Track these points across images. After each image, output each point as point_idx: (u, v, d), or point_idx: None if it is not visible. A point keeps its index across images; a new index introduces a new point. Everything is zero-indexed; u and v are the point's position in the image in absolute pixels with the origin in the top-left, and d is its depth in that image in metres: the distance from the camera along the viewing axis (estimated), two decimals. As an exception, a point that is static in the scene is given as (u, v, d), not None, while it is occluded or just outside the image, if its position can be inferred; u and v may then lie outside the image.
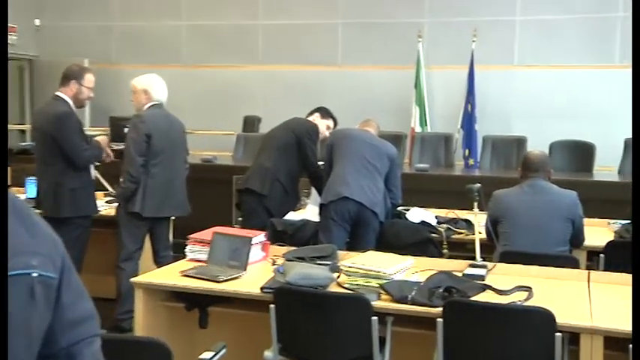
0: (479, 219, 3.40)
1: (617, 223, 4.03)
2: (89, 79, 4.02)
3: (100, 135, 4.49)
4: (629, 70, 7.10)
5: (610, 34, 7.23)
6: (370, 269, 2.77)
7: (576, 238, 3.52)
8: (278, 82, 8.20)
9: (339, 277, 2.85)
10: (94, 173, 4.18)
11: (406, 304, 2.58)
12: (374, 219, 3.81)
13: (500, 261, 3.20)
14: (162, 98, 4.14)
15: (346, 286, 2.78)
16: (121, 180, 4.01)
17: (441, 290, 2.61)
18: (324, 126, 4.46)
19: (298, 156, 4.28)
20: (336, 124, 4.54)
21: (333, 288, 2.79)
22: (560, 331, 2.36)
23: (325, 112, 4.53)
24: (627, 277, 2.91)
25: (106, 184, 4.90)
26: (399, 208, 4.21)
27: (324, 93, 7.46)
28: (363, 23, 7.96)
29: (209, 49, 8.44)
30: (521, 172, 3.66)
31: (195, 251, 3.23)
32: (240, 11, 8.38)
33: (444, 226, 4.05)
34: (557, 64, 7.35)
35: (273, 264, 3.14)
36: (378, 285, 2.70)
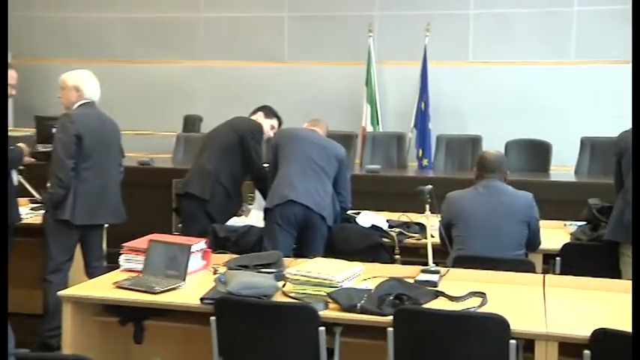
0: (431, 222, 3.45)
1: (574, 225, 4.14)
2: (11, 75, 3.91)
3: (25, 135, 4.38)
4: (585, 66, 7.36)
5: (565, 29, 7.45)
6: (317, 277, 2.77)
7: (532, 241, 3.60)
8: (221, 78, 8.15)
9: (284, 285, 2.85)
10: (16, 178, 4.07)
11: (355, 313, 2.59)
12: (322, 223, 3.82)
13: (454, 266, 3.25)
14: (94, 96, 4.07)
15: (292, 295, 2.78)
16: (48, 185, 3.92)
17: (391, 298, 2.64)
18: (267, 126, 4.46)
19: (241, 157, 4.26)
20: (280, 123, 4.54)
21: (279, 297, 2.78)
22: (514, 338, 2.41)
23: (269, 111, 4.52)
24: (583, 281, 3.01)
25: (31, 189, 4.78)
26: (349, 212, 4.23)
27: (269, 90, 7.45)
28: (310, 17, 7.98)
29: (146, 43, 8.33)
30: (476, 172, 3.72)
31: (130, 261, 3.18)
32: (180, 3, 8.31)
33: (396, 230, 4.09)
34: (513, 59, 7.53)
35: (215, 273, 3.12)
36: (325, 293, 2.70)
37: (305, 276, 2.79)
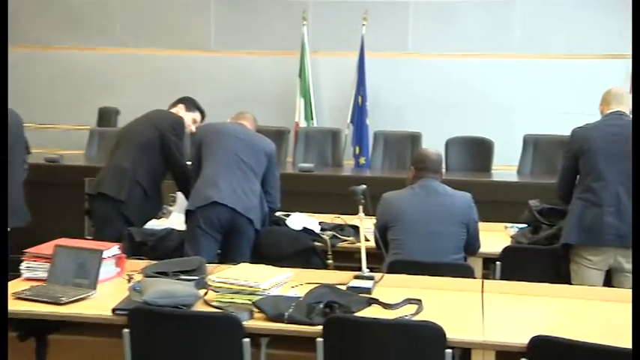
0: (365, 225, 3.48)
1: (514, 227, 4.25)
2: None
3: None
4: (530, 60, 7.57)
5: (509, 20, 7.64)
6: (242, 284, 2.76)
7: (471, 244, 3.68)
8: (140, 68, 8.02)
9: (206, 294, 2.83)
10: None
11: (282, 322, 2.59)
12: (249, 227, 3.80)
13: (389, 271, 3.29)
14: (-6, 85, 3.94)
15: (214, 304, 2.76)
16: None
17: (321, 306, 2.65)
18: (189, 119, 4.40)
19: (161, 154, 4.19)
20: (203, 117, 4.49)
21: (200, 307, 2.76)
22: (450, 347, 2.46)
23: (190, 103, 4.46)
24: (524, 286, 3.09)
25: None
26: (278, 214, 4.23)
27: (193, 81, 7.39)
28: (239, 1, 7.95)
29: (56, 26, 8.12)
30: (414, 171, 3.78)
31: (33, 269, 3.10)
32: (94, -17, 8.14)
33: (329, 233, 4.11)
34: (455, 51, 7.68)
35: (129, 281, 3.07)
36: (250, 302, 2.70)
37: (229, 283, 2.78)
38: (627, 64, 7.22)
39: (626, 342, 2.26)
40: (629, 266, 3.56)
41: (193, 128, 4.39)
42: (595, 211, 3.60)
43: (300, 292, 2.89)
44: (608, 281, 3.65)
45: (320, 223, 4.27)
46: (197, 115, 4.45)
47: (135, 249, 3.66)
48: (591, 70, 7.33)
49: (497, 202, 4.89)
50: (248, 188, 3.85)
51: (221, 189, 3.78)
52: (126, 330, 2.61)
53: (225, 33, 7.98)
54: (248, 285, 2.76)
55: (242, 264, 3.17)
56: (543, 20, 7.59)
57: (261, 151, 3.99)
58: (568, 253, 3.71)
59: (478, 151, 6.53)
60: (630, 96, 3.84)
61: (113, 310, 2.69)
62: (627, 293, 3.00)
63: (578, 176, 3.76)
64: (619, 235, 3.54)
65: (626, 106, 3.79)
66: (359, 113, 7.47)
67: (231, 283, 2.78)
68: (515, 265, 3.70)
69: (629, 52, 7.29)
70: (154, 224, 4.12)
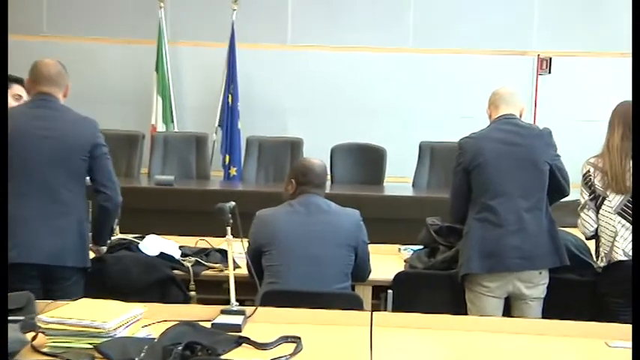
0: (235, 249, 3.46)
1: (409, 250, 4.35)
2: None
3: None
4: (427, 56, 7.79)
5: (402, 10, 7.84)
6: (81, 324, 2.68)
7: (360, 269, 3.73)
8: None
9: (35, 337, 2.72)
10: None
11: (132, 370, 2.53)
12: (71, 273, 3.62)
13: (263, 304, 3.28)
14: None
15: (46, 350, 2.66)
16: None
17: (180, 349, 2.60)
18: (10, 96, 4.17)
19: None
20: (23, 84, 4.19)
21: (27, 356, 2.65)
22: (333, 393, 2.47)
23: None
24: (417, 318, 3.15)
25: None
26: (130, 236, 4.15)
27: (21, 72, 7.11)
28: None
29: None
30: (294, 186, 3.78)
31: None
32: None
33: (192, 259, 4.08)
34: (341, 44, 7.81)
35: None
36: (92, 346, 2.62)
37: (64, 324, 2.69)
38: (533, 60, 7.61)
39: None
40: (529, 292, 3.71)
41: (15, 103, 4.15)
42: (496, 233, 3.71)
43: (155, 332, 2.83)
44: (508, 310, 3.78)
45: (180, 247, 4.23)
46: (18, 89, 4.25)
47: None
48: (496, 67, 7.64)
49: (390, 220, 5.00)
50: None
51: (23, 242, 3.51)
52: None
53: (62, 15, 7.75)
54: (89, 325, 2.67)
55: (82, 299, 3.07)
56: (440, 10, 7.83)
57: (79, 144, 3.67)
58: (462, 282, 3.80)
59: (368, 160, 6.66)
60: (520, 96, 4.01)
61: None
62: (530, 323, 3.13)
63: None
64: (523, 257, 3.67)
65: (517, 107, 3.92)
66: (229, 115, 7.46)
67: (68, 324, 2.68)
68: (409, 293, 3.79)
69: (537, 47, 7.73)
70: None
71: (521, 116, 3.93)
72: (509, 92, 3.96)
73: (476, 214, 3.77)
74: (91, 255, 3.81)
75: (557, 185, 3.80)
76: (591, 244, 3.90)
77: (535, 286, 3.70)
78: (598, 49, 7.69)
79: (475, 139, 3.84)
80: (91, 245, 3.82)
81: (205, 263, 4.07)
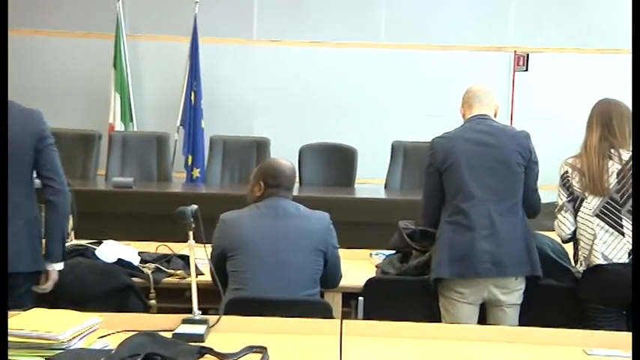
0: (198, 255, 3.44)
1: (381, 255, 4.35)
2: None
3: None
4: (399, 51, 7.82)
5: (374, 4, 7.86)
6: (33, 336, 2.65)
7: (330, 275, 3.72)
8: None
9: (-17, 351, 2.69)
10: None
11: (87, 384, 2.51)
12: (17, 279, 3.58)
13: (228, 312, 3.26)
14: None
15: (-5, 363, 2.63)
16: None
17: (139, 360, 2.59)
18: None
19: None
20: None
21: (-25, 368, 2.61)
22: (301, 405, 2.46)
23: None
24: (388, 327, 3.15)
25: None
26: (84, 242, 4.12)
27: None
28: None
29: None
30: (263, 188, 3.76)
31: None
32: None
33: (152, 266, 4.05)
34: (310, 39, 7.82)
35: None
36: (44, 359, 2.60)
37: (15, 335, 2.66)
38: (510, 56, 7.67)
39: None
40: (505, 298, 3.71)
41: None
42: (467, 237, 3.69)
43: (112, 343, 2.81)
44: (484, 317, 3.78)
45: (140, 253, 4.20)
46: None
47: None
48: (471, 63, 7.69)
49: (361, 224, 5.01)
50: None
51: None
52: None
53: (12, 6, 7.63)
54: (41, 337, 2.65)
55: (34, 309, 3.04)
56: (414, 5, 7.86)
57: (23, 140, 3.58)
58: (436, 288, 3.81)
59: (338, 161, 6.67)
60: (495, 94, 4.01)
61: None
62: (507, 331, 3.15)
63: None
64: (494, 262, 3.66)
65: (491, 107, 3.92)
66: (192, 114, 7.45)
67: (19, 335, 2.65)
68: (381, 300, 3.78)
69: (514, 43, 7.79)
70: None
71: (495, 115, 3.93)
72: (483, 90, 3.96)
73: (447, 217, 3.77)
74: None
75: (525, 194, 3.77)
76: (569, 248, 3.92)
77: (511, 292, 3.71)
78: (577, 45, 7.75)
79: (447, 139, 3.84)
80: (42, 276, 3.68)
81: (166, 270, 4.04)
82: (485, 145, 3.77)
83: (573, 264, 3.85)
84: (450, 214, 3.77)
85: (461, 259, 3.68)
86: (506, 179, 3.74)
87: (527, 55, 7.71)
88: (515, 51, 7.77)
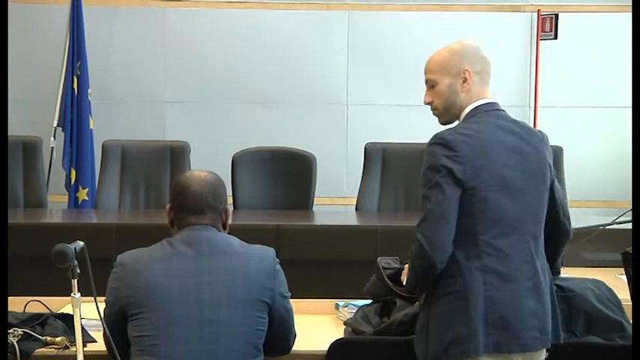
0: (86, 314, 3.45)
1: (352, 306, 4.37)
2: None
3: None
4: (373, 13, 7.86)
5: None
6: None
7: (278, 338, 3.75)
8: None
9: None
10: None
11: None
12: None
13: (132, 397, 3.28)
14: None
15: None
16: None
17: None
18: None
19: None
20: None
21: None
22: None
23: None
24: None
25: None
26: None
27: None
28: None
29: None
30: (172, 213, 3.77)
31: None
32: None
33: (18, 331, 4.00)
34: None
35: None
36: None
37: None
38: (532, 18, 7.73)
39: None
40: None
41: None
42: (508, 291, 3.49)
43: None
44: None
45: None
46: None
47: None
48: (481, 29, 7.71)
49: (322, 263, 5.02)
50: None
51: None
52: None
53: None
54: None
55: None
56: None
57: None
58: None
59: (288, 173, 6.68)
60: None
61: None
62: None
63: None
64: (541, 329, 3.53)
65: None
66: (74, 109, 7.41)
67: None
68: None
69: (537, 0, 7.88)
70: None
71: None
72: (488, 61, 3.82)
73: (477, 261, 3.48)
74: None
75: (554, 220, 3.70)
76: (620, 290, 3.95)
77: None
78: (626, 2, 7.82)
79: (476, 140, 3.51)
80: None
81: (40, 337, 4.02)
82: (521, 153, 3.56)
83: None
84: (479, 256, 3.48)
85: (501, 326, 3.46)
86: (541, 203, 3.61)
87: (556, 16, 7.67)
88: (538, 10, 7.76)
